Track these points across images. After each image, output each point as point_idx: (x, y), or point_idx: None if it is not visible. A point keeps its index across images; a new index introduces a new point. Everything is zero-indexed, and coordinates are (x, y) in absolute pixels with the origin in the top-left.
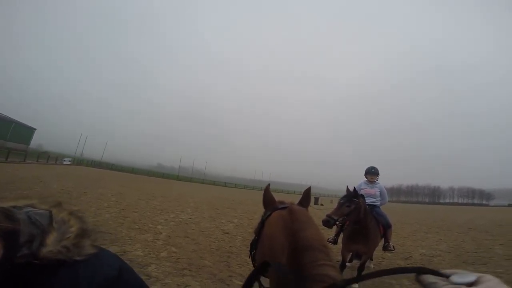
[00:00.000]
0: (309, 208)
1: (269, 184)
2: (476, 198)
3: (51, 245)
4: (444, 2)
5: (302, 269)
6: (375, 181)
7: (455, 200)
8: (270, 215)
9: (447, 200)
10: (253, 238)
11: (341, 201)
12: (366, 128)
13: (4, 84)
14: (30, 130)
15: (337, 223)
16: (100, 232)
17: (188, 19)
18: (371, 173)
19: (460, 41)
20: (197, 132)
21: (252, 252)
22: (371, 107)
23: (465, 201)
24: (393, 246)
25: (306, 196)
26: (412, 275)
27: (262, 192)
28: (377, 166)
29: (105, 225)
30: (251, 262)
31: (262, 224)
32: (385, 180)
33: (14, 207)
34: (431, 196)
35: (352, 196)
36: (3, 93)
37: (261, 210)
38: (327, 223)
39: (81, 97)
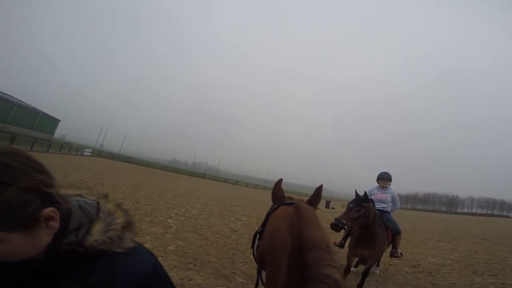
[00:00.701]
0: (319, 211)
1: (281, 179)
2: (497, 209)
3: (97, 234)
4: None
5: (305, 268)
6: (387, 187)
7: (474, 210)
8: (276, 209)
9: (465, 210)
10: (256, 230)
11: (350, 205)
12: (381, 132)
13: (30, 77)
14: (55, 121)
15: (345, 227)
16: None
17: (201, 15)
18: (383, 179)
19: (480, 44)
20: (212, 130)
21: (255, 245)
22: (385, 111)
23: (485, 211)
24: (400, 253)
25: (317, 195)
26: (420, 283)
27: (271, 193)
28: (390, 172)
29: None
30: (252, 254)
31: (267, 217)
32: (402, 186)
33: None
34: (449, 205)
35: (362, 200)
36: (30, 85)
37: None
38: (335, 226)
39: (101, 90)
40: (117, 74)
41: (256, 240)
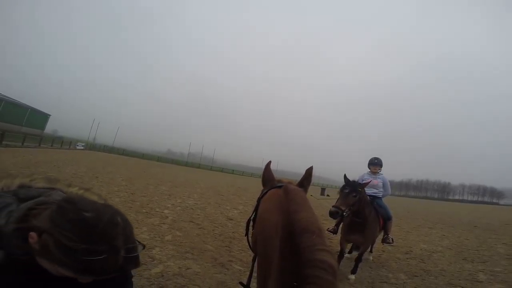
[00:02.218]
0: (313, 198)
1: (270, 161)
2: (487, 196)
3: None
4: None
5: (299, 253)
6: (378, 172)
7: (465, 197)
8: (266, 193)
9: (457, 197)
10: (249, 217)
11: (346, 191)
12: (374, 119)
13: (21, 70)
14: (45, 116)
15: (344, 214)
16: None
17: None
18: (374, 164)
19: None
20: (206, 119)
21: (249, 232)
22: (378, 98)
23: (475, 198)
24: (392, 239)
25: (308, 176)
26: (412, 269)
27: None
28: (381, 158)
29: None
30: (247, 242)
31: (258, 202)
32: (394, 173)
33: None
34: (441, 192)
35: (357, 186)
36: (20, 79)
37: None
38: (335, 214)
39: (91, 85)
40: (106, 67)
41: (250, 227)
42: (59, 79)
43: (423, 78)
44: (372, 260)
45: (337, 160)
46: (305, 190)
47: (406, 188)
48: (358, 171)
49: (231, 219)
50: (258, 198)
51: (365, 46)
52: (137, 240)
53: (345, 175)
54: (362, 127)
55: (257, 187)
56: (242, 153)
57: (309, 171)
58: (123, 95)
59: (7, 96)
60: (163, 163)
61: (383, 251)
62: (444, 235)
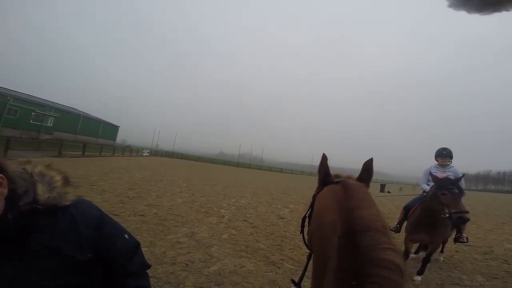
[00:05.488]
0: (373, 197)
1: (324, 154)
2: None
3: (43, 194)
4: None
5: (360, 252)
6: (447, 165)
7: None
8: (322, 189)
9: None
10: (304, 214)
11: (456, 191)
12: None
13: (90, 89)
14: (115, 128)
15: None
16: (173, 215)
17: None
18: (443, 156)
19: None
20: (255, 120)
21: (304, 230)
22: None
23: None
24: (467, 238)
25: (367, 170)
26: (492, 271)
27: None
28: (450, 148)
29: (178, 208)
30: (303, 243)
31: (313, 199)
32: (469, 166)
33: None
34: None
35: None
36: (91, 97)
37: None
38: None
39: (149, 98)
40: (160, 80)
41: (305, 225)
42: (125, 95)
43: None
44: (443, 260)
45: (387, 154)
46: (366, 185)
47: (484, 182)
48: (411, 164)
49: (282, 218)
50: (314, 194)
51: None
52: None
53: (430, 172)
54: (413, 116)
55: (307, 185)
56: (291, 152)
57: (368, 164)
58: (177, 103)
59: (84, 112)
60: (217, 164)
61: (456, 251)
62: None
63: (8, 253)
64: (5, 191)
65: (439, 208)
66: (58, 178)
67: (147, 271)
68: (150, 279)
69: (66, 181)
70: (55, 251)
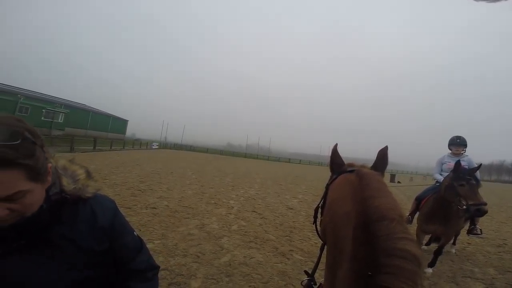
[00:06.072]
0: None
1: (336, 144)
2: None
3: (68, 185)
4: None
5: (375, 242)
6: (461, 154)
7: None
8: (335, 179)
9: None
10: (317, 204)
11: (473, 182)
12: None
13: (98, 85)
14: (124, 122)
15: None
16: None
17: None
18: (456, 144)
19: None
20: (262, 110)
21: (317, 220)
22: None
23: None
24: (480, 230)
25: (382, 158)
26: (505, 264)
27: (328, 163)
28: (464, 136)
29: (188, 200)
30: (315, 233)
31: (326, 189)
32: (483, 155)
33: None
34: None
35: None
36: (99, 93)
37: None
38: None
39: (156, 91)
40: (167, 74)
41: (318, 215)
42: (135, 90)
43: None
44: (455, 253)
45: (397, 143)
46: (381, 174)
47: (498, 172)
48: (424, 153)
49: (291, 209)
50: (327, 184)
51: None
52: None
53: (458, 161)
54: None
55: (315, 175)
56: (298, 143)
57: (383, 152)
58: (184, 96)
59: (93, 108)
60: (225, 155)
61: (468, 243)
62: None
63: (29, 245)
64: (50, 179)
65: (456, 199)
66: (80, 171)
67: (157, 274)
68: (162, 271)
69: (88, 174)
70: (74, 242)
